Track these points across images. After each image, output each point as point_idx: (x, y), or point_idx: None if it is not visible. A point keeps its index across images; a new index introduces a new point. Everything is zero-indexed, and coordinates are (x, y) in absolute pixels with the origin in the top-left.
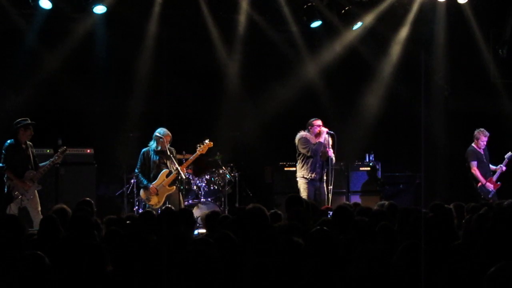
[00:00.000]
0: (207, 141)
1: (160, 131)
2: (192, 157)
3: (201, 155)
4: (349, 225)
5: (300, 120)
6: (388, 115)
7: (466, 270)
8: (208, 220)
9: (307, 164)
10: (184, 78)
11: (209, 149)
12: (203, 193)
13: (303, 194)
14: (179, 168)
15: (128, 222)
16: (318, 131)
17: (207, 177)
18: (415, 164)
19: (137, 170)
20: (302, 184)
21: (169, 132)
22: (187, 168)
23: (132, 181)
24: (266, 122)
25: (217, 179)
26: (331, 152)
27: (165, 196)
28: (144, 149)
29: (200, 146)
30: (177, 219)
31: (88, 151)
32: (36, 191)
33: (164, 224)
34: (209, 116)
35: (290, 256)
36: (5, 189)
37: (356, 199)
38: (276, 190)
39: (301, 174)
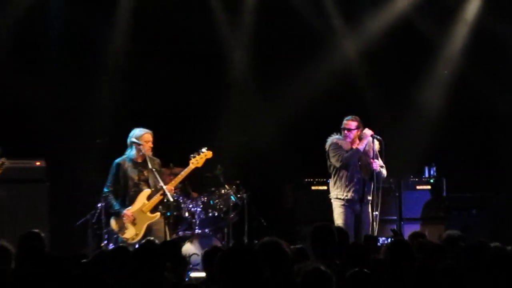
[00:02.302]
0: (204, 149)
1: (136, 133)
2: (183, 172)
3: (196, 169)
4: (408, 267)
5: (332, 120)
6: (454, 114)
7: None
8: (206, 260)
9: (340, 179)
10: (172, 63)
11: (207, 161)
12: (198, 221)
13: (338, 221)
14: (164, 187)
15: (84, 261)
16: (356, 134)
17: (204, 199)
18: (493, 181)
19: (107, 189)
20: (336, 208)
21: (148, 131)
22: (176, 187)
23: (99, 205)
24: (285, 124)
25: (217, 202)
26: (376, 164)
27: (145, 226)
28: (118, 160)
29: (194, 157)
30: (161, 257)
31: (38, 163)
32: None
33: (142, 266)
34: (207, 115)
35: None
36: None
37: (411, 229)
38: (301, 217)
39: (335, 194)
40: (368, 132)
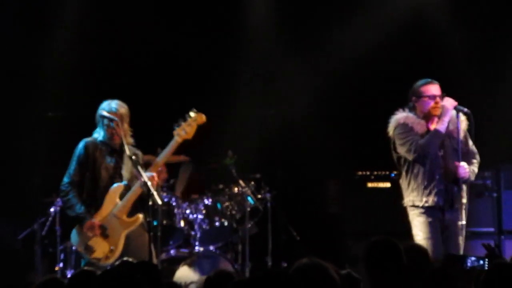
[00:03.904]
0: (192, 113)
1: (105, 107)
2: (167, 149)
3: (186, 142)
4: None
5: (395, 86)
6: None
7: None
8: None
9: (415, 179)
10: (163, 4)
11: (213, 147)
12: (199, 235)
13: (418, 236)
14: (149, 183)
15: None
16: (433, 107)
17: (208, 202)
18: None
19: (69, 179)
20: (415, 218)
21: (123, 106)
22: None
23: (52, 209)
24: (327, 92)
25: (228, 207)
26: (464, 170)
27: (123, 236)
28: (86, 140)
29: (180, 126)
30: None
31: None
32: None
33: None
34: (216, 79)
35: None
36: None
37: None
38: (351, 228)
39: (410, 200)
40: (449, 103)
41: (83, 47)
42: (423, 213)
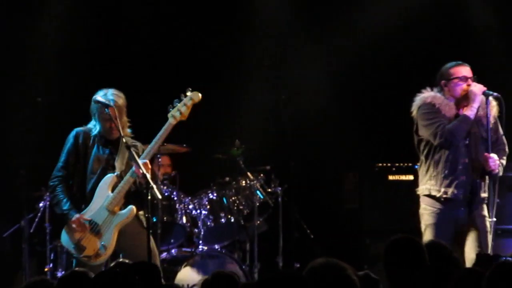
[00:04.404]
0: (188, 92)
1: (102, 96)
2: (161, 133)
3: (180, 124)
4: None
5: (418, 72)
6: None
7: None
8: None
9: (436, 166)
10: None
11: (218, 136)
12: (203, 232)
13: (426, 235)
14: (147, 175)
15: None
16: (465, 89)
17: (213, 196)
18: None
19: (59, 172)
20: (425, 214)
21: (120, 96)
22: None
23: (41, 204)
24: (344, 76)
25: (234, 201)
26: (494, 161)
27: (115, 231)
28: (78, 129)
29: (175, 107)
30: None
31: None
32: None
33: None
34: (222, 63)
35: None
36: None
37: None
38: (370, 225)
39: (426, 188)
40: (478, 88)
41: (77, 31)
42: (437, 213)
